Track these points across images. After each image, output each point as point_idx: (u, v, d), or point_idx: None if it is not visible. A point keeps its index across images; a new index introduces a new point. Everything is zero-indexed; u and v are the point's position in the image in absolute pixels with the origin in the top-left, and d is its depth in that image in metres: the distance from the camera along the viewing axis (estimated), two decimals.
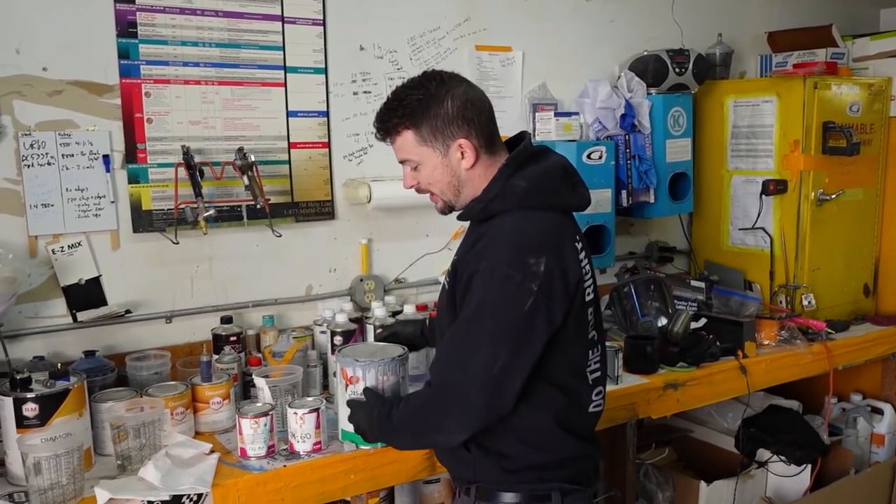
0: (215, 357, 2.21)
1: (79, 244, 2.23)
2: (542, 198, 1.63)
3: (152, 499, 1.67)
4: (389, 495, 2.42)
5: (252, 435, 1.85)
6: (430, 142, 1.63)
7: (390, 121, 1.65)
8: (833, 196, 3.05)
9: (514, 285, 1.52)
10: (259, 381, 2.02)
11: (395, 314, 2.48)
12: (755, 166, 3.16)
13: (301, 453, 1.89)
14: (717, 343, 2.63)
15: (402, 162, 1.72)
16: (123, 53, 2.25)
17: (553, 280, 1.55)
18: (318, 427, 1.89)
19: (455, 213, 1.75)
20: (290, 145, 2.53)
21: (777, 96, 3.05)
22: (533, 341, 1.55)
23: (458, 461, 1.74)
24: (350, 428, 1.90)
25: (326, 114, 2.59)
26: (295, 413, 1.89)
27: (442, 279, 1.79)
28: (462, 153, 1.63)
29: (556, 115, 2.92)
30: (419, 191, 1.74)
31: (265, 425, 1.86)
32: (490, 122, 1.66)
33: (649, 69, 3.04)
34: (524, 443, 1.65)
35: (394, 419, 1.67)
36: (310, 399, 1.94)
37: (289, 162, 2.53)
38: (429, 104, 1.61)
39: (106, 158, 2.24)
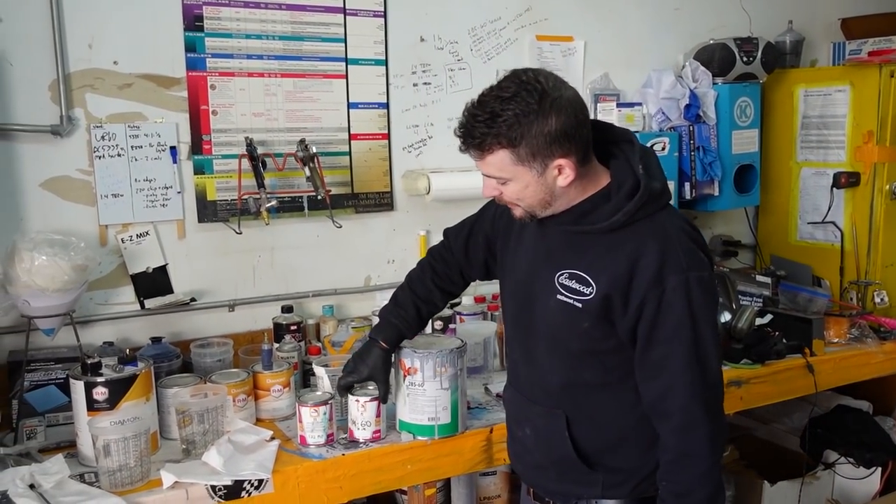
0: (276, 346, 2.25)
1: (147, 233, 2.29)
2: (668, 194, 1.56)
3: (215, 483, 1.71)
4: (446, 486, 2.43)
5: (312, 423, 1.88)
6: (528, 162, 1.45)
7: (484, 139, 1.44)
8: None
9: (707, 284, 1.49)
10: (319, 370, 2.05)
11: (452, 306, 2.48)
12: (826, 158, 3.06)
13: (360, 441, 1.91)
14: (784, 340, 2.55)
15: (486, 175, 1.53)
16: (190, 47, 2.30)
17: (710, 263, 1.56)
18: (378, 415, 1.91)
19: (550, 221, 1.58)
20: (351, 137, 2.55)
21: (851, 85, 2.95)
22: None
23: (581, 483, 1.64)
24: (408, 418, 1.91)
25: (386, 105, 2.60)
26: (357, 401, 1.90)
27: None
28: (560, 171, 1.46)
29: (619, 105, 2.87)
30: (500, 201, 1.58)
31: (325, 414, 1.88)
32: (589, 131, 1.49)
33: (715, 58, 2.97)
34: (646, 451, 1.58)
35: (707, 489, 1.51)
36: (371, 387, 1.96)
37: (349, 153, 2.55)
38: (530, 122, 1.41)
39: (173, 150, 2.29)
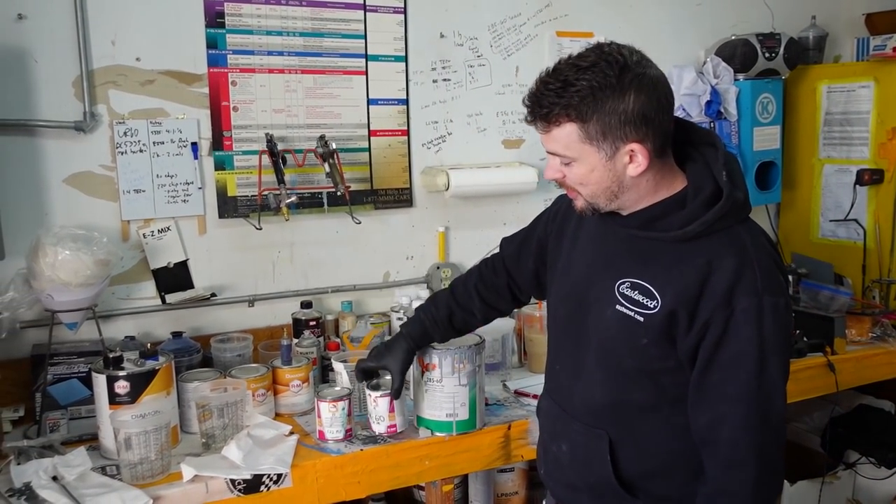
0: (295, 341, 2.26)
1: (168, 229, 2.31)
2: (749, 206, 1.41)
3: (234, 477, 1.73)
4: (463, 483, 2.44)
5: (330, 418, 1.89)
6: (597, 141, 1.32)
7: (552, 109, 1.32)
8: None
9: (782, 312, 1.35)
10: (337, 366, 2.05)
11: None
12: (849, 155, 3.02)
13: (376, 433, 1.91)
14: (805, 339, 2.53)
15: (550, 153, 1.40)
16: (211, 43, 2.31)
17: (788, 291, 1.46)
18: (391, 410, 1.89)
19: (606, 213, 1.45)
20: (370, 133, 2.56)
21: (875, 81, 2.91)
22: None
23: None
24: (426, 414, 1.91)
25: (406, 102, 2.60)
26: (369, 395, 1.89)
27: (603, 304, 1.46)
28: (631, 158, 1.34)
29: None
30: (562, 185, 1.45)
31: (343, 409, 1.89)
32: (670, 119, 1.36)
33: (737, 54, 2.95)
34: (693, 480, 1.43)
35: None
36: (387, 377, 1.95)
37: (368, 150, 2.56)
38: (605, 97, 1.28)
39: (194, 146, 2.31)
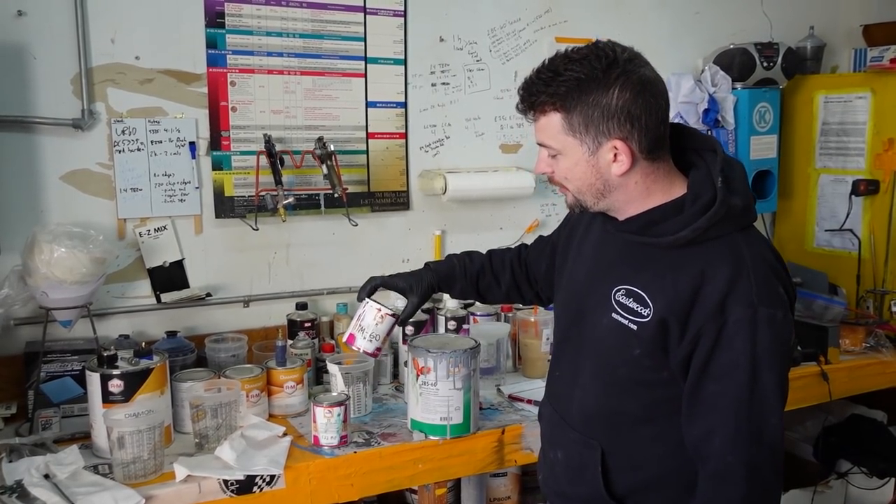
0: (290, 342, 2.26)
1: (164, 228, 2.30)
2: (751, 214, 1.38)
3: (227, 477, 1.72)
4: (456, 486, 2.44)
5: (326, 424, 1.88)
6: (580, 133, 1.33)
7: (538, 96, 1.34)
8: None
9: (779, 324, 1.30)
10: (332, 368, 2.06)
11: (466, 306, 2.48)
12: (845, 165, 3.04)
13: (361, 350, 1.81)
14: (799, 347, 2.54)
15: (539, 144, 1.42)
16: (211, 43, 2.31)
17: (790, 301, 1.37)
18: (388, 333, 1.82)
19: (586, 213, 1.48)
20: (368, 135, 2.56)
21: (872, 92, 2.93)
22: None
23: None
24: (420, 418, 1.91)
25: (404, 105, 2.60)
26: (378, 310, 1.80)
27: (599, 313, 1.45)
28: (615, 156, 1.33)
29: None
30: (552, 181, 1.45)
31: (339, 415, 1.88)
32: (661, 122, 1.34)
33: (735, 63, 2.96)
34: (688, 495, 1.38)
35: None
36: (399, 303, 1.87)
37: (366, 152, 2.56)
38: (589, 88, 1.30)
39: (192, 145, 2.31)
